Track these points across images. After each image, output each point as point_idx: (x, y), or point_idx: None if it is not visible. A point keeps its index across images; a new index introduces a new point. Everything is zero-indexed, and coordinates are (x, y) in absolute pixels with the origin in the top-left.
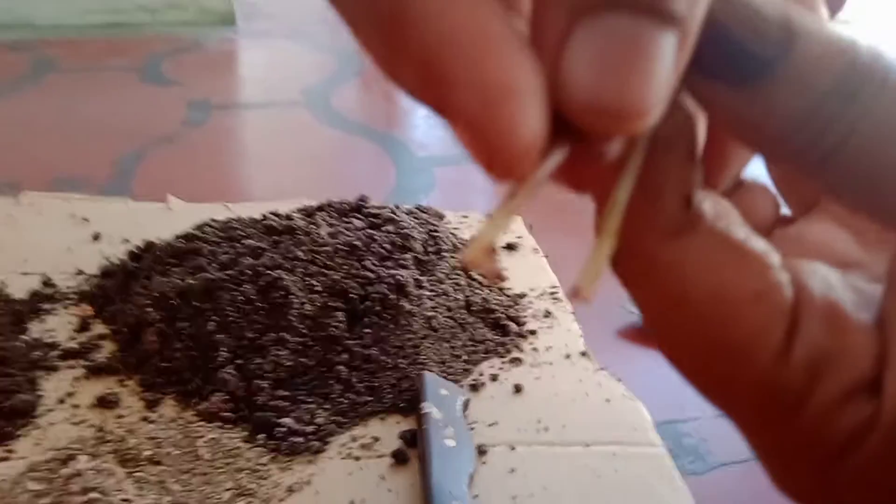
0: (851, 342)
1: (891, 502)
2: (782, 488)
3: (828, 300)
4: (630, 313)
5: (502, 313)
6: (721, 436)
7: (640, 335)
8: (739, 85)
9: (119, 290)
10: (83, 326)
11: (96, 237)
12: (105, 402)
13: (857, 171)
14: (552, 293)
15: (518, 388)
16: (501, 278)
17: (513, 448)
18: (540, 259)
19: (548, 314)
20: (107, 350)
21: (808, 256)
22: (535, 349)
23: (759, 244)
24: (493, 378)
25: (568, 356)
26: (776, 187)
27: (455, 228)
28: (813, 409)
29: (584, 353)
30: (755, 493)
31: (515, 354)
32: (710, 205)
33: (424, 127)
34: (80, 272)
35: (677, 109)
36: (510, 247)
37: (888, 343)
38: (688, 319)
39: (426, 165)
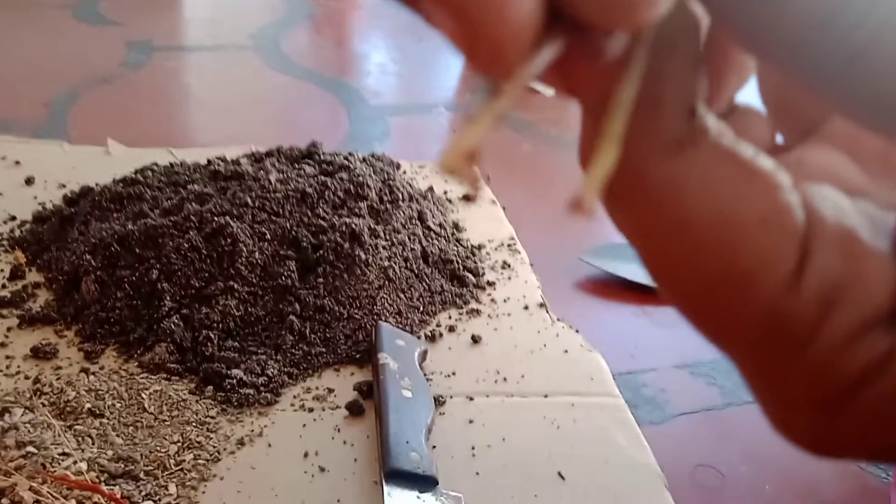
0: (868, 271)
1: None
2: (781, 428)
3: (840, 225)
4: (588, 265)
5: (460, 264)
6: (679, 386)
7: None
8: None
9: (54, 236)
10: (15, 274)
11: (29, 181)
12: (41, 353)
13: (883, 80)
14: (510, 245)
15: (476, 339)
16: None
17: (471, 399)
18: (497, 210)
19: (506, 265)
20: (42, 299)
21: (814, 180)
22: (493, 300)
23: (766, 162)
24: (451, 329)
25: (526, 307)
26: (770, 113)
27: (411, 178)
28: (824, 343)
29: (542, 305)
30: (712, 442)
31: (473, 305)
32: (714, 120)
33: (378, 74)
34: (12, 217)
35: (682, 9)
36: (467, 198)
37: None
38: (687, 246)
39: (380, 114)
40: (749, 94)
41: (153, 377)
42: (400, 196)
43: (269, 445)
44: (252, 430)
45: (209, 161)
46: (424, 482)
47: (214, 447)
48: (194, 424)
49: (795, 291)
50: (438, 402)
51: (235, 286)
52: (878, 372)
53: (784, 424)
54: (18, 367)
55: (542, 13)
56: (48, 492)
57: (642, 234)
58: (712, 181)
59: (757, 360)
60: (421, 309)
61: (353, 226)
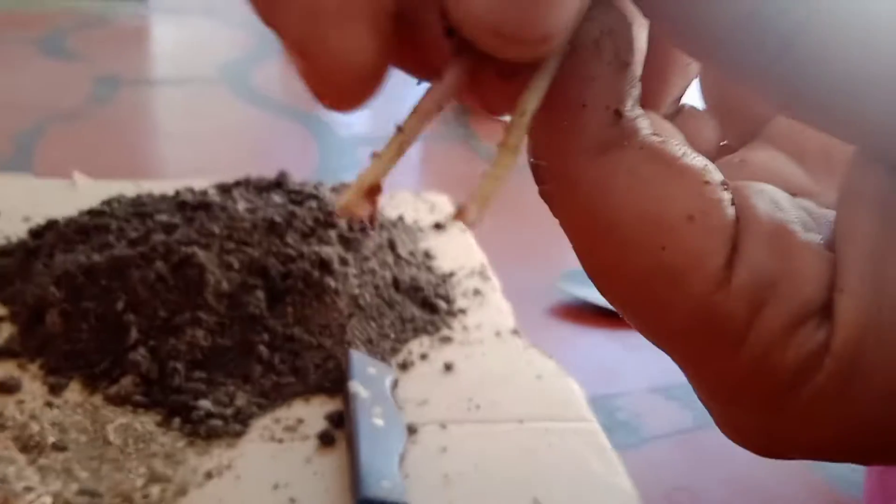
0: (799, 265)
1: (842, 438)
2: (727, 430)
3: (774, 221)
4: (560, 291)
5: (431, 291)
6: (653, 410)
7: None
8: None
9: (18, 269)
10: None
11: None
12: (4, 388)
13: (816, 68)
14: (481, 272)
15: (448, 367)
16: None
17: (444, 426)
18: (468, 238)
19: (477, 292)
20: (4, 332)
21: (757, 180)
22: (465, 327)
23: (696, 160)
24: (423, 357)
25: (498, 334)
26: (713, 115)
27: (381, 207)
28: (757, 339)
29: (514, 331)
30: (687, 465)
31: (445, 333)
32: (646, 121)
33: None
34: None
35: (607, 10)
36: (437, 226)
37: (840, 265)
38: (616, 245)
39: (350, 145)
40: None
41: (119, 410)
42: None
43: (238, 477)
44: (220, 462)
45: (177, 192)
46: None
47: (182, 480)
48: (161, 457)
49: (725, 288)
50: (411, 430)
51: (203, 316)
52: (813, 366)
53: (730, 426)
54: None
55: (388, 47)
56: None
57: (575, 233)
58: (638, 181)
59: (694, 357)
60: (392, 336)
61: (323, 254)
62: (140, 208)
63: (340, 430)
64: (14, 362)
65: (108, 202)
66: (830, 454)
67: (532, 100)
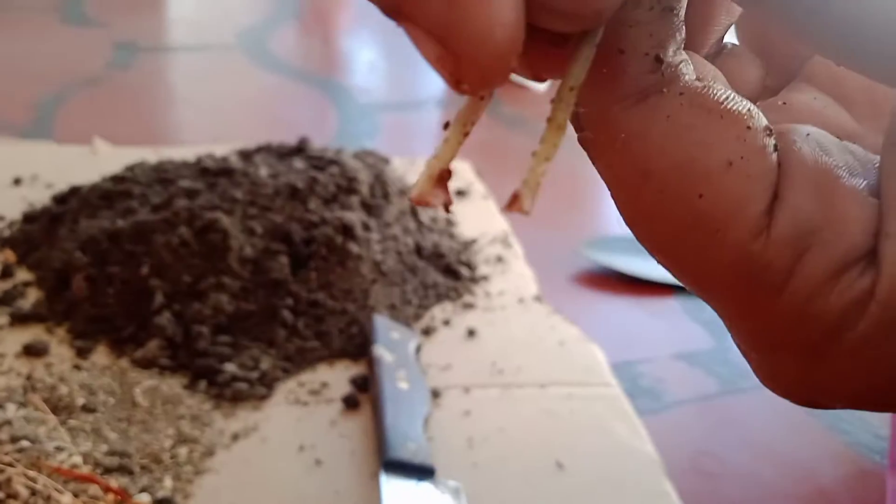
0: (843, 212)
1: (884, 387)
2: (767, 379)
3: (819, 165)
4: (583, 258)
5: (454, 258)
6: (676, 376)
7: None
8: None
9: (44, 234)
10: (6, 273)
11: (17, 181)
12: (33, 351)
13: (848, 14)
14: (503, 239)
15: (471, 332)
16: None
17: (467, 391)
18: (490, 205)
19: (500, 259)
20: (32, 297)
21: (801, 121)
22: (487, 294)
23: (739, 105)
24: (446, 322)
25: (521, 300)
26: (755, 54)
27: (403, 174)
28: (799, 286)
29: (537, 298)
30: (710, 430)
31: (468, 299)
32: (689, 66)
33: (366, 71)
34: (1, 218)
35: None
36: (460, 193)
37: (885, 210)
38: (655, 194)
39: (369, 111)
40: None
41: (145, 372)
42: (392, 190)
43: (265, 439)
44: (247, 425)
45: (198, 158)
46: (422, 472)
47: (209, 441)
48: (188, 419)
49: (767, 236)
50: (434, 394)
51: (227, 281)
52: (857, 312)
53: (769, 373)
54: (10, 364)
55: (523, 27)
56: (44, 484)
57: (614, 182)
58: (676, 128)
59: (735, 305)
60: (415, 302)
61: (345, 220)
62: (162, 174)
63: (364, 394)
64: (41, 326)
65: (130, 168)
66: (871, 403)
67: (579, 71)
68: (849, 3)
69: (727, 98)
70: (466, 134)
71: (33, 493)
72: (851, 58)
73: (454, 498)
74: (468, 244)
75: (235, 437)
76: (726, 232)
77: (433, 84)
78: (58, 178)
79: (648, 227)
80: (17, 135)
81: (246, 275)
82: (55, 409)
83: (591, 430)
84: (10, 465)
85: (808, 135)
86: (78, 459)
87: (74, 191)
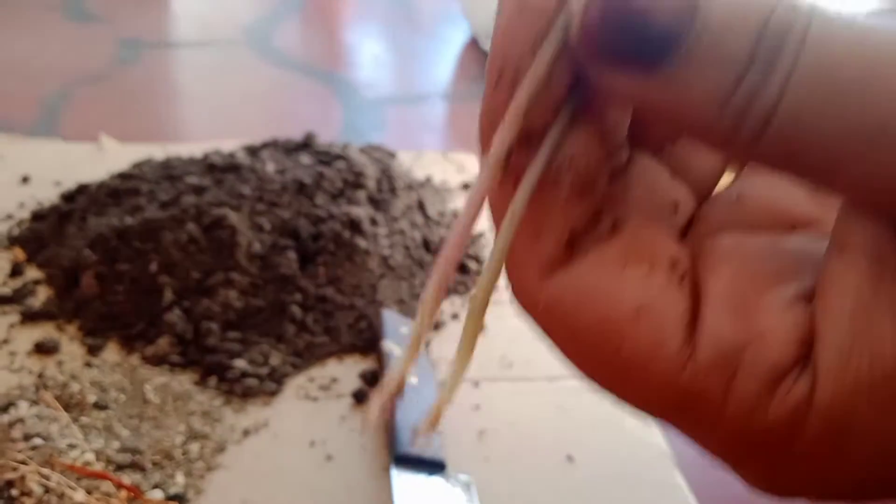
0: (764, 327)
1: (846, 488)
2: (740, 477)
3: (737, 282)
4: None
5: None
6: None
7: None
8: (648, 70)
9: (52, 232)
10: (15, 271)
11: (25, 179)
12: (44, 349)
13: (794, 143)
14: None
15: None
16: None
17: (477, 384)
18: None
19: None
20: (42, 295)
21: (752, 218)
22: (495, 287)
23: (640, 248)
24: (454, 316)
25: None
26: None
27: (409, 168)
28: (738, 406)
29: None
30: None
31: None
32: (597, 235)
33: (372, 65)
34: (10, 216)
35: (577, 135)
36: (466, 186)
37: (822, 317)
38: (579, 352)
39: (375, 105)
40: None
41: (156, 369)
42: (399, 185)
43: (275, 435)
44: (257, 420)
45: (205, 154)
46: (433, 466)
47: (220, 437)
48: (199, 415)
49: (692, 364)
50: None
51: (236, 277)
52: (801, 419)
53: (738, 472)
54: (22, 362)
55: None
56: (57, 481)
57: (549, 337)
58: (586, 289)
59: (687, 428)
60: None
61: (353, 214)
62: (170, 171)
63: (374, 389)
64: (52, 324)
65: (137, 165)
66: (842, 499)
67: (504, 237)
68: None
69: (628, 246)
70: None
71: (47, 490)
72: (801, 174)
73: (465, 492)
74: (476, 238)
75: (246, 432)
76: (653, 372)
77: (438, 77)
78: (65, 176)
79: (587, 376)
80: (23, 132)
81: (254, 271)
82: (67, 407)
83: (601, 423)
84: (24, 462)
85: (732, 250)
86: (90, 456)
87: (82, 188)
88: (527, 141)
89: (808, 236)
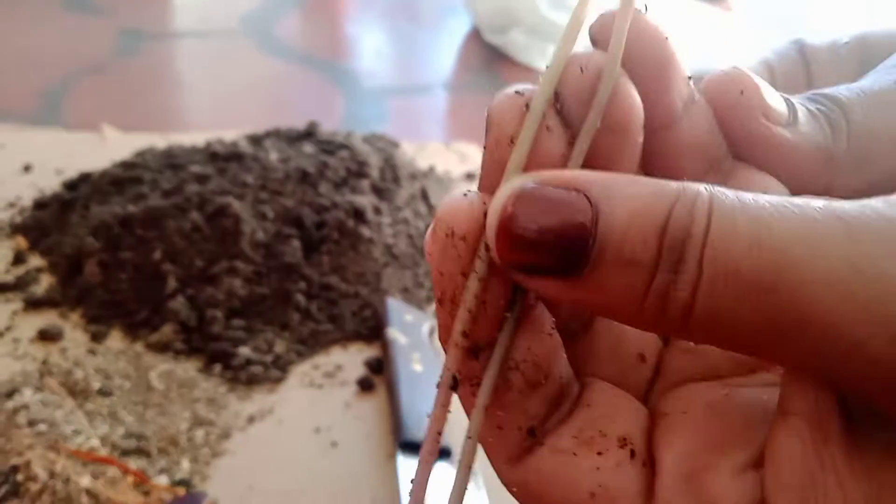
0: (717, 496)
1: None
2: None
3: (691, 452)
4: None
5: None
6: None
7: None
8: (564, 278)
9: (55, 220)
10: (18, 259)
11: (27, 168)
12: (47, 336)
13: (717, 332)
14: None
15: None
16: None
17: None
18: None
19: None
20: (45, 283)
21: (712, 364)
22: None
23: (592, 434)
24: None
25: None
26: None
27: (412, 158)
28: None
29: None
30: None
31: None
32: (560, 416)
33: (373, 55)
34: (12, 204)
35: (516, 346)
36: (469, 176)
37: (769, 482)
38: None
39: (376, 96)
40: None
41: (160, 356)
42: (402, 174)
43: (280, 421)
44: (262, 407)
45: (207, 143)
46: (439, 453)
47: (226, 424)
48: (203, 402)
49: None
50: None
51: (239, 265)
52: None
53: None
54: (26, 349)
55: None
56: (62, 466)
57: None
58: (546, 476)
59: None
60: (427, 286)
61: (357, 203)
62: (172, 159)
63: (378, 376)
64: (55, 311)
65: (140, 154)
66: None
67: (473, 430)
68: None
69: (582, 428)
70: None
71: (52, 475)
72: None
73: (472, 479)
74: None
75: (251, 419)
76: None
77: (440, 68)
78: (67, 165)
79: None
80: (25, 122)
81: (258, 259)
82: (71, 393)
83: None
84: (29, 447)
85: (686, 406)
86: (96, 442)
87: (85, 177)
88: (475, 354)
89: (763, 382)
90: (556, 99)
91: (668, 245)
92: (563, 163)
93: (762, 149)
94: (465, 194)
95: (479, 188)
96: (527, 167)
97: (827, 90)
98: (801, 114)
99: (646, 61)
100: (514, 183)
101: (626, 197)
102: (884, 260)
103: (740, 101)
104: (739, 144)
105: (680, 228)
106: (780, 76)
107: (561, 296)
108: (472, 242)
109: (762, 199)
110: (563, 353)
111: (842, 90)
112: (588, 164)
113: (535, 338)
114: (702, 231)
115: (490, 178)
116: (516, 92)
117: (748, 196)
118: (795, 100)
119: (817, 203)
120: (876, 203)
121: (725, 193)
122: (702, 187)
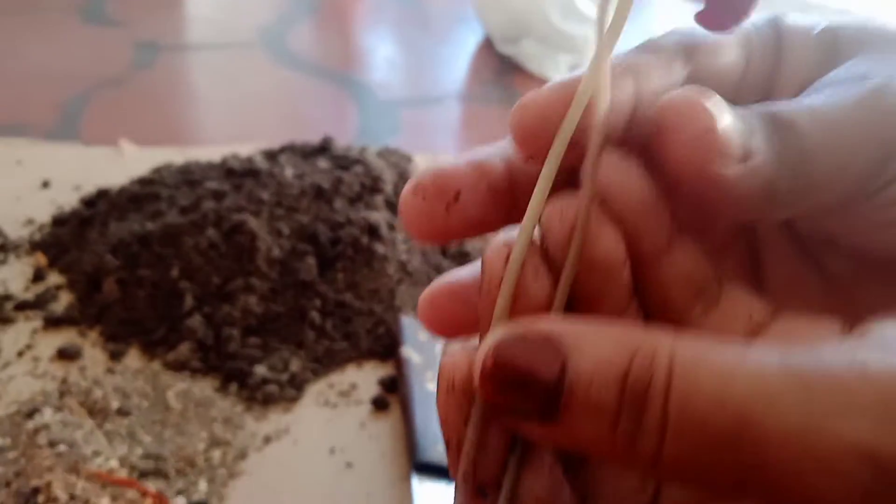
0: None
1: None
2: None
3: None
4: None
5: (478, 257)
6: None
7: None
8: (543, 422)
9: (74, 237)
10: (38, 276)
11: (45, 184)
12: (66, 354)
13: (687, 476)
14: None
15: None
16: None
17: None
18: None
19: None
20: (64, 300)
21: (706, 495)
22: None
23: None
24: None
25: None
26: None
27: None
28: None
29: None
30: None
31: None
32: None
33: (386, 67)
34: (31, 221)
35: (522, 485)
36: None
37: None
38: None
39: (390, 107)
40: None
41: (177, 375)
42: None
43: (296, 441)
44: (278, 427)
45: (223, 159)
46: None
47: (242, 444)
48: (220, 422)
49: None
50: None
51: (255, 283)
52: None
53: None
54: (45, 368)
55: None
56: (82, 488)
57: None
58: None
59: None
60: None
61: (371, 220)
62: (189, 176)
63: (393, 395)
64: (74, 329)
65: (157, 170)
66: None
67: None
68: None
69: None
70: None
71: (72, 497)
72: None
73: None
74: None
75: (267, 439)
76: None
77: (453, 79)
78: (85, 180)
79: None
80: (42, 136)
81: (274, 276)
82: (91, 413)
83: None
84: (50, 469)
85: None
86: (115, 463)
87: (103, 193)
88: (483, 493)
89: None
90: (542, 241)
91: (629, 395)
92: (550, 303)
93: (710, 191)
94: (462, 346)
95: (479, 331)
96: (514, 310)
97: (784, 109)
98: (757, 141)
99: (630, 203)
100: (494, 335)
101: (592, 346)
102: (836, 418)
103: (698, 144)
104: (684, 181)
105: (639, 380)
106: (756, 54)
107: (544, 438)
108: (470, 392)
109: (725, 352)
110: (565, 488)
111: (799, 112)
112: (576, 301)
113: (537, 476)
114: (662, 383)
115: (484, 323)
116: (504, 242)
117: (711, 350)
118: (754, 121)
119: (773, 358)
120: (831, 353)
121: (687, 347)
122: (664, 341)
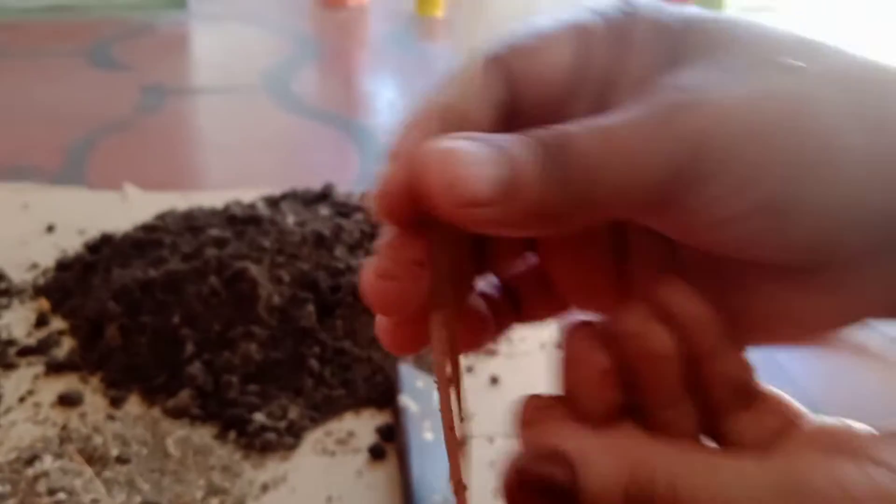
0: None
1: None
2: None
3: None
4: None
5: None
6: None
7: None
8: None
9: (77, 283)
10: (41, 321)
11: (50, 228)
12: (67, 401)
13: None
14: None
15: (494, 380)
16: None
17: (491, 440)
18: None
19: None
20: (66, 346)
21: None
22: (509, 340)
23: None
24: (469, 369)
25: (543, 346)
26: None
27: None
28: None
29: (559, 344)
30: None
31: (490, 345)
32: None
33: (387, 112)
34: (35, 265)
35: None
36: None
37: None
38: None
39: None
40: None
41: (177, 422)
42: None
43: (293, 490)
44: (276, 475)
45: (226, 206)
46: None
47: (240, 492)
48: (218, 469)
49: None
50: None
51: (256, 330)
52: None
53: None
54: (46, 414)
55: None
56: None
57: None
58: None
59: None
60: None
61: None
62: (192, 222)
63: (390, 444)
64: (76, 375)
65: (160, 216)
66: None
67: None
68: None
69: None
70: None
71: None
72: None
73: None
74: None
75: (265, 487)
76: None
77: None
78: (90, 224)
79: None
80: (48, 180)
81: (274, 323)
82: (90, 460)
83: None
84: None
85: None
86: None
87: (107, 239)
88: None
89: None
90: None
91: (634, 488)
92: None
93: (473, 226)
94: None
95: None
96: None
97: (560, 132)
98: (507, 170)
99: (687, 318)
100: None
101: (596, 463)
102: None
103: (447, 197)
104: (447, 218)
105: (642, 491)
106: (598, 46)
107: None
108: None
109: (720, 475)
110: None
111: (578, 133)
112: (633, 385)
113: None
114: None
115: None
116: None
117: (708, 473)
118: (517, 147)
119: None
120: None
121: (684, 477)
122: (660, 454)
